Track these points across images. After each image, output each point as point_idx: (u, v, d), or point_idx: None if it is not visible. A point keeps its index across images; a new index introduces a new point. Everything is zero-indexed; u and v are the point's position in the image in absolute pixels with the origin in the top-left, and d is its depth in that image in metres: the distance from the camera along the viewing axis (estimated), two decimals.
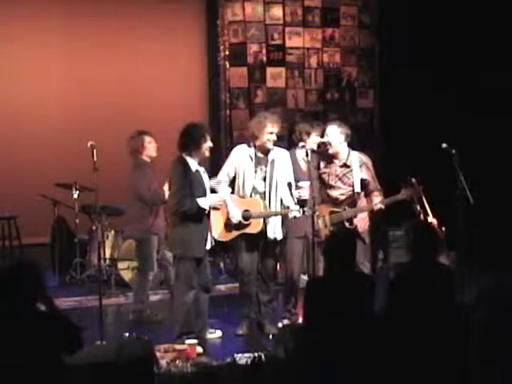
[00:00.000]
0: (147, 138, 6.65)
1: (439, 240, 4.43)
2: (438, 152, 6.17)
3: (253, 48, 9.63)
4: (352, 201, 6.18)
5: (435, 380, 4.07)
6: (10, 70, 8.87)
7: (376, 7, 9.95)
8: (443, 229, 6.36)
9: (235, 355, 5.21)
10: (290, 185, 6.08)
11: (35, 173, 8.64)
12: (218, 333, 6.06)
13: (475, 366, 3.76)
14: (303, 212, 5.84)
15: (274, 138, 5.99)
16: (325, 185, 6.29)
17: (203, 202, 5.62)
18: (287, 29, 9.75)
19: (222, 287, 7.93)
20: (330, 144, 6.20)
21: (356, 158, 6.21)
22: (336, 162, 6.25)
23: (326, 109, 9.91)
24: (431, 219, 6.22)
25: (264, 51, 9.66)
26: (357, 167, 6.18)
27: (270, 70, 9.72)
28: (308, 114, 9.66)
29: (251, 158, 6.05)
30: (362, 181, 6.21)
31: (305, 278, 7.38)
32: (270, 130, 5.97)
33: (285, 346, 4.77)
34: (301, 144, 6.17)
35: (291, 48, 9.78)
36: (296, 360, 4.39)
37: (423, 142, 8.27)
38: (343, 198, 6.21)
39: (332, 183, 6.25)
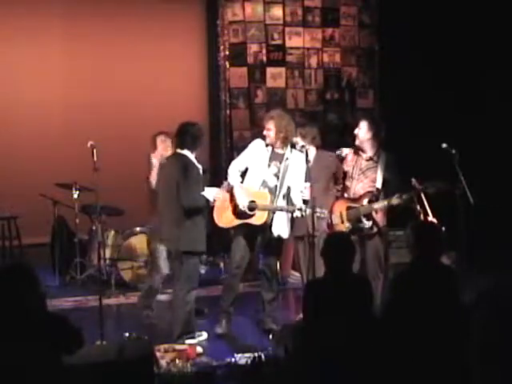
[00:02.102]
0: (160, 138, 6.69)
1: (443, 241, 4.41)
2: (438, 152, 6.17)
3: (253, 48, 9.63)
4: (371, 197, 6.17)
5: (435, 380, 4.07)
6: (9, 70, 8.87)
7: (376, 7, 9.95)
8: (443, 229, 6.36)
9: (235, 355, 5.22)
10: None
11: (35, 173, 8.64)
12: (205, 335, 5.95)
13: (475, 366, 3.77)
14: (303, 213, 5.84)
15: (266, 132, 6.05)
16: (346, 177, 6.30)
17: (208, 195, 5.72)
18: (287, 29, 9.75)
19: (221, 287, 7.90)
20: (357, 136, 6.25)
21: (384, 157, 6.23)
22: (363, 155, 6.26)
23: (325, 109, 9.91)
24: (431, 219, 6.21)
25: (264, 51, 9.66)
26: (383, 165, 6.19)
27: (269, 70, 9.72)
28: (308, 114, 9.67)
29: (267, 153, 6.09)
30: (386, 180, 6.20)
31: (296, 274, 7.42)
32: (265, 126, 6.08)
33: (285, 346, 4.77)
34: (300, 144, 6.19)
35: (291, 48, 9.78)
36: (296, 360, 4.39)
37: (423, 142, 8.27)
38: (362, 192, 6.20)
39: (355, 176, 6.24)
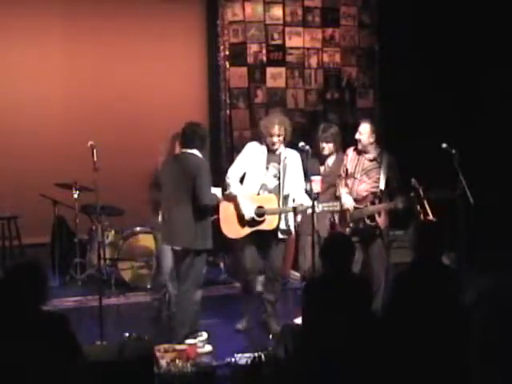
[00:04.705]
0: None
1: (444, 241, 4.42)
2: (438, 152, 6.17)
3: (253, 48, 9.62)
4: (374, 198, 6.17)
5: (435, 380, 4.07)
6: (9, 70, 8.87)
7: (376, 7, 9.94)
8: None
9: (235, 355, 5.22)
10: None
11: (35, 172, 8.63)
12: (205, 335, 5.87)
13: (475, 366, 3.77)
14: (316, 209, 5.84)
15: (275, 140, 6.00)
16: (348, 177, 6.30)
17: (218, 192, 5.75)
18: (287, 29, 9.74)
19: (221, 287, 7.93)
20: (360, 141, 6.24)
21: (386, 158, 6.22)
22: (366, 156, 6.27)
23: (325, 109, 9.90)
24: (431, 219, 6.22)
25: (264, 51, 9.65)
26: (385, 166, 6.19)
27: (269, 70, 9.71)
28: (308, 114, 9.67)
29: (263, 155, 6.06)
30: (387, 180, 6.20)
31: (296, 274, 7.43)
32: (271, 132, 5.99)
33: (285, 346, 4.77)
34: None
35: (291, 48, 9.77)
36: (296, 360, 4.39)
37: (423, 142, 8.27)
38: (365, 194, 6.20)
39: (357, 176, 6.24)
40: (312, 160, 6.48)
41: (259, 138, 6.20)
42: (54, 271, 8.06)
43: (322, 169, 6.72)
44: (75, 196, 7.73)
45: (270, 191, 6.02)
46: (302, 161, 6.27)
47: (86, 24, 9.06)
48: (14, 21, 8.85)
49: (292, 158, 6.10)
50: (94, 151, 5.77)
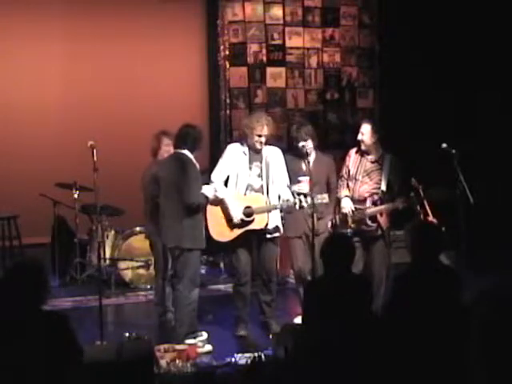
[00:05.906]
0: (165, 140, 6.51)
1: (440, 241, 4.41)
2: (438, 152, 6.18)
3: (253, 48, 9.63)
4: (376, 199, 6.17)
5: (435, 380, 4.07)
6: (10, 71, 8.87)
7: (376, 7, 9.94)
8: (443, 229, 6.35)
9: (235, 355, 5.22)
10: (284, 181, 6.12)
11: (35, 173, 8.64)
12: (205, 335, 5.85)
13: (475, 366, 3.76)
14: (300, 203, 5.83)
15: (262, 140, 5.96)
16: (349, 179, 6.28)
17: (207, 192, 5.77)
18: (287, 29, 9.74)
19: (221, 287, 7.93)
20: (363, 142, 6.22)
21: (388, 159, 6.22)
22: (368, 157, 6.25)
23: (326, 109, 9.91)
24: (431, 219, 6.22)
25: (264, 51, 9.66)
26: (387, 167, 6.18)
27: (269, 70, 9.72)
28: (308, 114, 9.67)
29: (245, 156, 6.04)
30: (389, 182, 6.19)
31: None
32: (258, 133, 5.95)
33: (285, 346, 4.77)
34: (301, 144, 6.20)
35: (291, 48, 9.77)
36: (296, 360, 4.39)
37: (423, 142, 8.27)
38: (367, 194, 6.19)
39: (358, 177, 6.23)
40: (299, 160, 6.41)
41: (240, 138, 6.16)
42: (54, 271, 8.06)
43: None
44: (75, 196, 7.73)
45: (256, 191, 6.00)
46: (308, 161, 6.24)
47: (86, 24, 9.07)
48: (15, 22, 8.85)
49: (273, 155, 6.08)
50: (94, 151, 5.77)
